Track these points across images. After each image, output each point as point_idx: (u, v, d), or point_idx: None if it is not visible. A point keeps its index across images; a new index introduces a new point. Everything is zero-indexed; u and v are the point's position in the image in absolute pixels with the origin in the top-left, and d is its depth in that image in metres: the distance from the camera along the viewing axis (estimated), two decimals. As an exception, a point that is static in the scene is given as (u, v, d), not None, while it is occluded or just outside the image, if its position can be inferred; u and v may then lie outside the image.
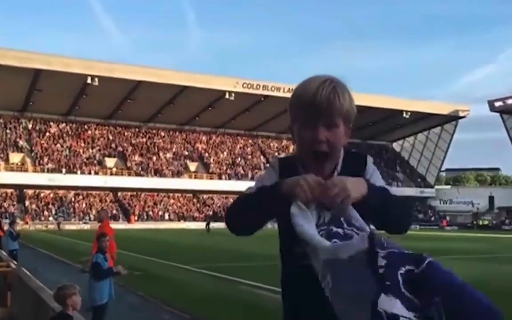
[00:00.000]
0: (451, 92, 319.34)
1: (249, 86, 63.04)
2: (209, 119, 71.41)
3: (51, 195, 60.09)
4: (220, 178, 68.73)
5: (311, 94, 1.59)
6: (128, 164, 65.91)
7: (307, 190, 1.49)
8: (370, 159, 1.78)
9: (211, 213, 61.26)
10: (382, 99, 70.46)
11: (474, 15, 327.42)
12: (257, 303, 10.69)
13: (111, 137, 69.12)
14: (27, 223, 51.50)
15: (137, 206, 62.82)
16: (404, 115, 71.93)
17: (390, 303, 1.19)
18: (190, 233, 44.97)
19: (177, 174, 67.28)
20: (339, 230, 1.45)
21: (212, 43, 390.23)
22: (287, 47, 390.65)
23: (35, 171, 59.19)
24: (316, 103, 1.58)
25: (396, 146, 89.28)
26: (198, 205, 67.25)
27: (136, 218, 60.13)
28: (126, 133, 70.44)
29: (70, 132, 66.88)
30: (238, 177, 69.06)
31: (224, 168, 71.14)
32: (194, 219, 62.60)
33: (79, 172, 61.26)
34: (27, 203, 58.09)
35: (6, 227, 20.24)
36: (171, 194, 66.32)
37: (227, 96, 61.62)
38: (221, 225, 42.71)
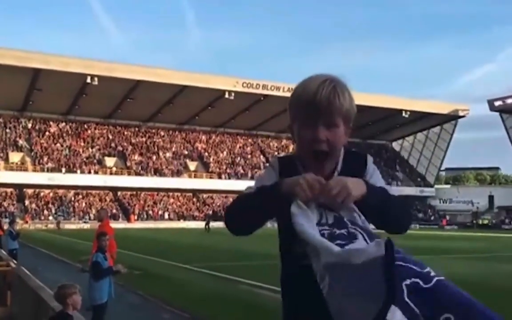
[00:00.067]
0: (450, 92, 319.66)
1: (248, 85, 63.01)
2: (209, 119, 71.39)
3: (51, 194, 60.07)
4: (219, 177, 68.72)
5: (311, 94, 1.59)
6: (128, 164, 65.89)
7: (306, 189, 1.49)
8: (370, 159, 1.78)
9: (210, 212, 61.21)
10: (382, 99, 70.43)
11: (474, 15, 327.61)
12: (257, 303, 10.70)
13: (110, 137, 69.10)
14: (26, 222, 51.46)
15: (136, 206, 62.81)
16: (404, 114, 71.90)
17: (391, 313, 1.19)
18: (189, 232, 44.96)
19: (177, 173, 67.27)
20: (343, 230, 1.45)
21: (211, 42, 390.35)
22: (287, 47, 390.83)
23: (34, 170, 59.16)
24: (316, 102, 1.58)
25: (395, 145, 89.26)
26: (198, 204, 67.25)
27: (136, 217, 60.12)
28: (125, 133, 70.42)
29: (69, 132, 66.86)
30: (238, 176, 69.04)
31: (224, 167, 71.13)
32: (194, 218, 62.59)
33: (78, 171, 61.24)
34: (26, 202, 58.06)
35: (6, 227, 20.22)
36: (170, 194, 66.31)
37: (226, 95, 61.58)
38: (220, 224, 42.70)
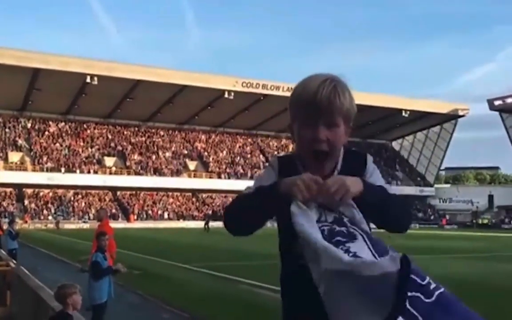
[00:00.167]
0: (450, 91, 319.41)
1: (248, 85, 63.00)
2: (209, 118, 71.38)
3: (50, 194, 60.06)
4: (219, 177, 68.72)
5: (311, 93, 1.59)
6: (127, 163, 65.88)
7: (303, 189, 1.49)
8: (370, 158, 1.78)
9: (210, 212, 61.21)
10: (382, 98, 70.44)
11: (474, 14, 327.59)
12: (256, 302, 10.70)
13: (110, 136, 69.08)
14: (26, 222, 51.46)
15: (136, 205, 62.80)
16: (404, 114, 71.91)
17: None
18: (189, 232, 44.97)
19: (177, 173, 67.27)
20: (343, 228, 1.46)
21: (211, 42, 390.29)
22: (287, 47, 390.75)
23: (34, 170, 59.14)
24: (317, 102, 1.58)
25: (395, 145, 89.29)
26: (198, 204, 67.25)
27: (135, 217, 60.12)
28: (125, 132, 70.40)
29: (69, 131, 66.84)
30: (238, 176, 69.05)
31: (224, 167, 71.13)
32: (194, 218, 62.58)
33: (78, 171, 61.23)
34: (26, 202, 58.05)
35: (5, 226, 20.19)
36: (170, 193, 66.31)
37: (226, 95, 61.58)
38: (220, 224, 42.63)
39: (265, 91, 63.67)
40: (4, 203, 56.35)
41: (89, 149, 65.77)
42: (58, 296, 4.53)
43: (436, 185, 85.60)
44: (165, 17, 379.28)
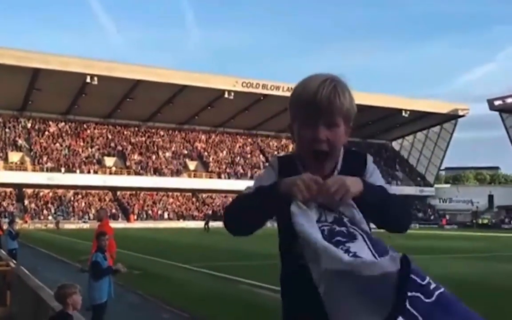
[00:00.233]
0: (450, 91, 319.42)
1: (248, 85, 63.00)
2: (209, 118, 71.38)
3: (50, 194, 60.06)
4: (219, 177, 68.72)
5: (311, 93, 1.59)
6: (127, 163, 65.88)
7: (303, 190, 1.49)
8: (370, 158, 1.78)
9: (210, 212, 61.21)
10: (382, 98, 70.44)
11: (474, 14, 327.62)
12: (256, 302, 10.70)
13: (110, 136, 69.08)
14: (26, 222, 51.47)
15: (136, 205, 62.80)
16: (404, 114, 71.91)
17: None
18: (189, 232, 44.97)
19: (176, 173, 67.26)
20: (343, 228, 1.46)
21: (211, 42, 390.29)
22: (287, 47, 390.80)
23: (34, 170, 59.14)
24: (317, 102, 1.58)
25: (395, 145, 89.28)
26: (198, 204, 67.24)
27: (135, 217, 60.11)
28: (125, 132, 70.40)
29: (69, 131, 66.84)
30: (238, 176, 69.05)
31: (224, 167, 71.14)
32: (194, 218, 62.58)
33: (78, 171, 61.23)
34: (26, 202, 58.06)
35: (5, 226, 20.20)
36: (170, 193, 66.30)
37: (226, 95, 61.58)
38: (220, 224, 42.67)
39: (265, 91, 63.66)
40: (4, 203, 56.35)
41: (89, 149, 65.77)
42: (58, 296, 4.53)
43: (436, 185, 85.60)
44: (165, 17, 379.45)
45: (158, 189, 64.95)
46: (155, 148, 70.05)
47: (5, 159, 59.26)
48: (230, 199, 1.73)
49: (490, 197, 76.55)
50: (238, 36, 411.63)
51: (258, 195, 1.63)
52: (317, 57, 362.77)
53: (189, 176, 67.86)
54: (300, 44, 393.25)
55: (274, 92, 62.50)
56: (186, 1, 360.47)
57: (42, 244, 27.45)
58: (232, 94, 61.59)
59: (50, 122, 66.28)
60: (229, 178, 68.63)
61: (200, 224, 53.95)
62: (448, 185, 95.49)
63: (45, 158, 61.17)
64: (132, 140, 69.75)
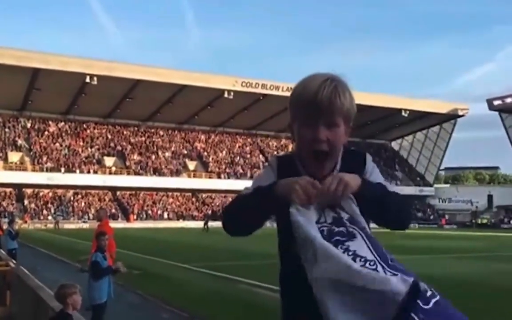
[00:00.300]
0: (450, 91, 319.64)
1: (248, 85, 62.98)
2: (208, 118, 71.35)
3: (50, 194, 60.03)
4: (219, 177, 68.69)
5: (312, 93, 1.58)
6: (127, 163, 65.86)
7: (301, 195, 1.49)
8: (369, 157, 1.78)
9: (210, 212, 61.20)
10: (381, 98, 70.42)
11: (474, 14, 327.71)
12: (256, 302, 10.70)
13: (110, 136, 69.05)
14: (26, 222, 51.44)
15: (136, 205, 62.78)
16: (403, 113, 71.89)
17: None
18: (189, 232, 44.96)
19: (176, 173, 67.23)
20: (342, 228, 1.46)
21: (211, 42, 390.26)
22: (286, 47, 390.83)
23: (34, 170, 59.11)
24: (317, 102, 1.57)
25: (395, 144, 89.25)
26: (197, 204, 67.22)
27: (135, 217, 60.09)
28: (125, 132, 70.37)
29: (69, 131, 66.80)
30: (237, 176, 69.02)
31: (223, 167, 71.11)
32: (193, 218, 62.55)
33: (78, 171, 61.20)
34: (26, 202, 58.03)
35: (5, 226, 20.19)
36: (170, 193, 66.27)
37: (226, 95, 61.55)
38: (220, 224, 42.68)
39: (264, 91, 63.63)
40: (4, 203, 56.32)
41: (89, 149, 65.74)
42: (58, 296, 4.53)
43: (435, 185, 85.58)
44: (165, 17, 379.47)
45: (157, 189, 64.92)
46: (155, 148, 70.03)
47: (5, 159, 59.22)
48: (230, 199, 1.72)
49: (490, 197, 76.53)
50: (238, 36, 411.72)
51: (256, 196, 1.63)
52: (317, 57, 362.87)
53: (189, 176, 67.84)
54: (300, 44, 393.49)
55: (274, 92, 62.48)
56: (186, 1, 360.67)
57: (41, 244, 27.43)
58: (232, 94, 61.57)
59: (50, 122, 66.25)
60: (228, 178, 68.61)
61: (199, 224, 53.92)
62: (447, 185, 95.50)
63: (44, 158, 61.14)
64: (132, 140, 69.72)
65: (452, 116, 78.75)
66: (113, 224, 19.57)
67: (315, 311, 1.47)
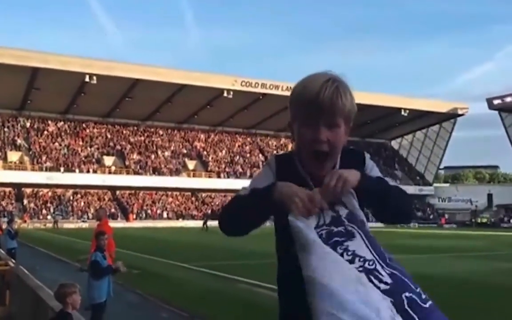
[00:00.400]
0: (450, 90, 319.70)
1: (247, 84, 62.96)
2: (208, 117, 71.33)
3: (50, 193, 60.00)
4: (218, 176, 68.67)
5: (313, 93, 1.58)
6: (127, 163, 65.83)
7: (301, 209, 1.49)
8: (368, 156, 1.78)
9: (209, 211, 61.21)
10: (381, 97, 70.42)
11: (473, 14, 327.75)
12: (255, 301, 10.70)
13: (109, 136, 69.03)
14: (25, 221, 51.41)
15: (135, 205, 62.76)
16: (403, 113, 71.88)
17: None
18: (188, 231, 44.95)
19: (176, 172, 67.22)
20: (341, 228, 1.46)
21: (210, 41, 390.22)
22: (286, 46, 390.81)
23: (33, 169, 59.07)
24: (319, 102, 1.57)
25: (394, 144, 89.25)
26: (197, 203, 67.20)
27: (134, 216, 60.08)
28: (124, 132, 70.34)
29: (68, 131, 66.77)
30: (237, 175, 69.00)
31: (223, 166, 71.10)
32: (193, 217, 62.55)
33: (77, 170, 61.18)
34: (25, 201, 58.01)
35: (4, 226, 20.18)
36: (169, 193, 66.25)
37: (225, 94, 61.53)
38: (219, 223, 42.60)
39: (264, 90, 63.61)
40: (3, 203, 56.29)
41: (88, 149, 65.71)
42: (58, 295, 4.53)
43: (435, 184, 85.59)
44: (164, 16, 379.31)
45: (157, 189, 64.91)
46: (154, 148, 70.00)
47: (4, 159, 59.19)
48: (229, 198, 1.72)
49: (489, 196, 76.54)
50: (238, 35, 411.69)
51: (253, 198, 1.62)
52: (317, 57, 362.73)
53: (188, 175, 67.82)
54: (300, 44, 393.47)
55: (273, 91, 62.46)
56: (185, 1, 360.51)
57: (41, 243, 27.41)
58: (231, 93, 61.54)
59: (49, 122, 66.21)
60: (228, 177, 68.57)
61: (199, 223, 53.91)
62: (447, 184, 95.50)
63: (44, 158, 61.11)
64: (131, 140, 69.70)
65: (452, 115, 78.76)
66: (113, 224, 19.58)
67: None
